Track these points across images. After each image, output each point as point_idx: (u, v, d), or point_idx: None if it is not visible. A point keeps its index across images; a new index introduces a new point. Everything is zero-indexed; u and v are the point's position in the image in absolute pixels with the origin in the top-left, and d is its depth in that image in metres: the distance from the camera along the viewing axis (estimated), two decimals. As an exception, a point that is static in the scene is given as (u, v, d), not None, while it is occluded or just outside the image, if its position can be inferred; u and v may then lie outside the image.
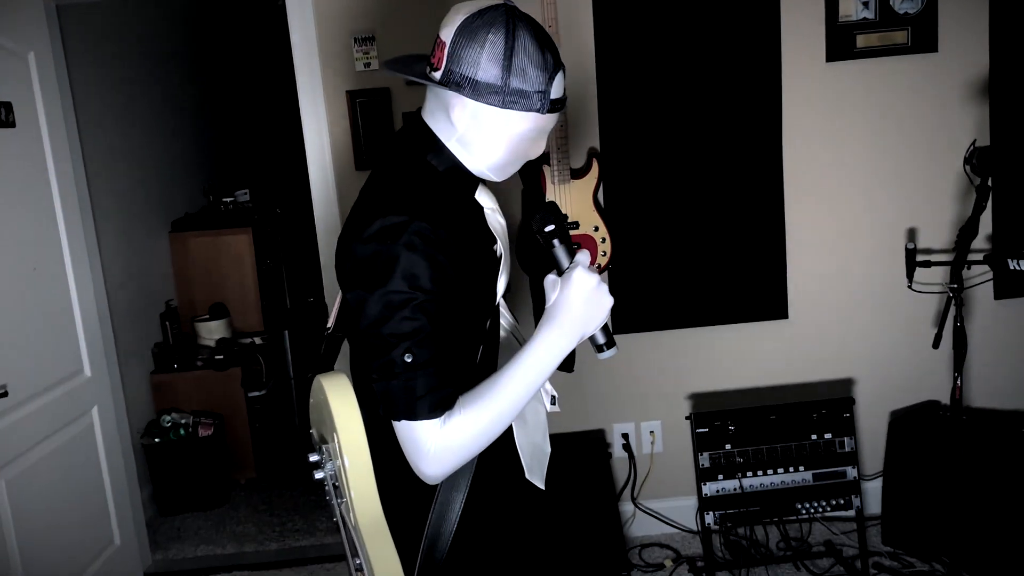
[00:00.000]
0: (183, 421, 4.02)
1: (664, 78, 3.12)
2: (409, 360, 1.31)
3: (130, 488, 3.43)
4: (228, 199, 4.87)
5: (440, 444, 1.33)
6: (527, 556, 1.72)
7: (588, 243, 3.07)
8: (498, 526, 1.60)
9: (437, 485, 1.45)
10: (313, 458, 1.44)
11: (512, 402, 1.36)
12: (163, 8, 4.68)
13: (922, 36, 3.12)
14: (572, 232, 3.05)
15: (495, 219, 1.55)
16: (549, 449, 1.71)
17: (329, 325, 1.61)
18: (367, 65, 3.09)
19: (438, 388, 1.32)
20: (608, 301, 1.41)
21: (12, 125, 2.80)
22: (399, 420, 1.34)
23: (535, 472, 1.62)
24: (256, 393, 4.33)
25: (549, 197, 3.03)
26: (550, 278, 1.43)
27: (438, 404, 1.33)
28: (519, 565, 1.69)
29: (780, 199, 3.21)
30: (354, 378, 1.43)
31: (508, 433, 1.55)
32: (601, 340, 1.45)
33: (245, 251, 4.63)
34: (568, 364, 3.26)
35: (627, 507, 3.41)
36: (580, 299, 1.39)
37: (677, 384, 3.37)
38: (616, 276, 3.24)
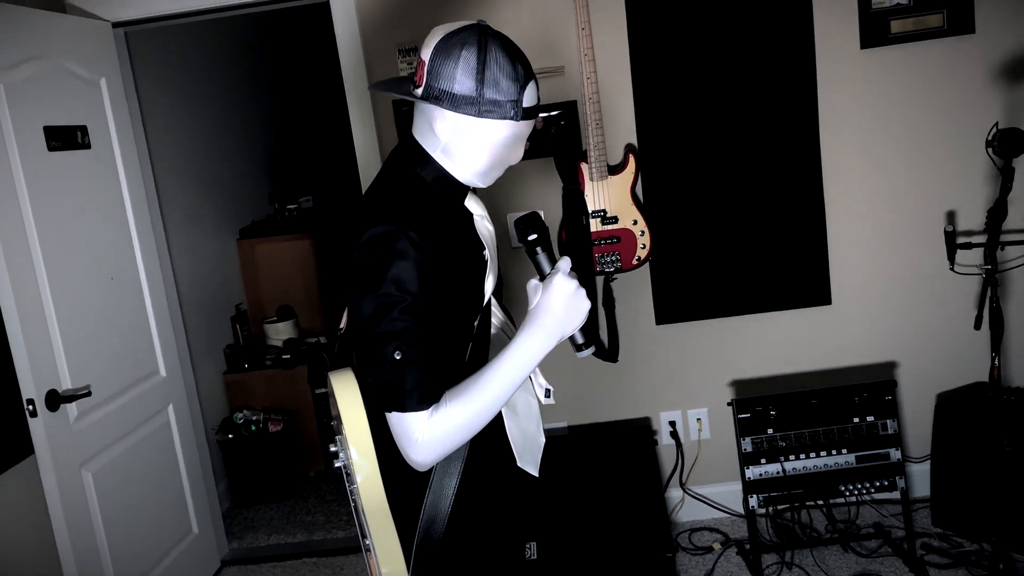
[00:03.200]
0: (254, 418, 4.25)
1: (698, 71, 3.19)
2: (399, 357, 1.44)
3: (206, 481, 3.66)
4: (292, 206, 5.10)
5: (427, 434, 1.45)
6: (517, 531, 1.82)
7: (627, 237, 3.16)
8: (490, 510, 1.71)
9: (431, 472, 1.58)
10: (333, 448, 1.59)
11: (494, 396, 1.48)
12: (225, 27, 4.93)
13: (958, 18, 3.12)
14: (611, 227, 3.16)
15: (483, 225, 1.67)
16: (543, 439, 1.81)
17: (341, 326, 1.75)
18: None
19: (425, 383, 1.45)
20: (586, 305, 1.52)
21: (88, 147, 3.04)
22: (390, 412, 1.47)
23: (527, 460, 1.73)
24: (322, 390, 4.51)
25: (587, 194, 3.13)
26: (532, 283, 1.54)
27: (425, 397, 1.45)
28: (510, 547, 1.80)
29: (819, 186, 3.25)
30: (358, 374, 1.57)
31: (500, 423, 1.67)
32: (580, 340, 1.55)
33: (309, 255, 4.85)
34: (612, 355, 3.37)
35: (676, 493, 3.49)
36: (560, 302, 1.49)
37: (723, 372, 3.44)
38: (657, 268, 3.32)
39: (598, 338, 3.32)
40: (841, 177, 3.26)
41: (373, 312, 1.45)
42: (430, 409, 1.46)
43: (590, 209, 3.15)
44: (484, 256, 1.63)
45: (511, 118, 1.50)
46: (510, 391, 1.49)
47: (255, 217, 5.07)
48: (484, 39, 1.48)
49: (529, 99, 1.52)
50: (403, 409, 1.45)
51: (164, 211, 3.87)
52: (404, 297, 1.44)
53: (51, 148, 2.82)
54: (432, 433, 1.46)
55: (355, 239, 1.49)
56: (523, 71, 1.50)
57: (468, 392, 1.48)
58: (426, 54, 1.51)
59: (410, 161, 1.60)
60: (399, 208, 1.51)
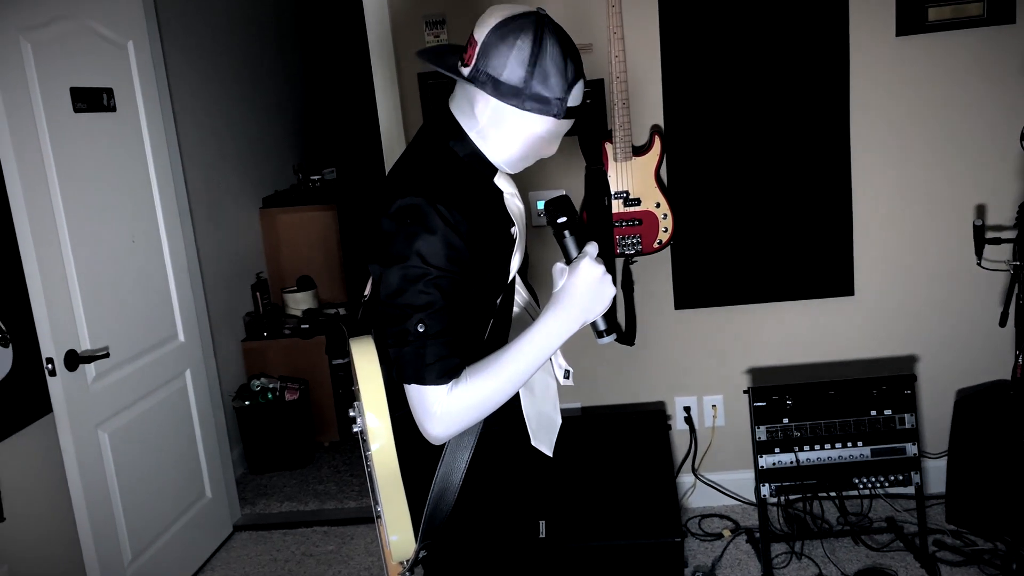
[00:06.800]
0: (271, 386, 4.28)
1: (729, 54, 3.14)
2: (421, 330, 1.44)
3: (220, 447, 3.69)
4: (315, 177, 5.10)
5: (444, 409, 1.46)
6: (528, 506, 1.82)
7: (649, 219, 3.14)
8: (501, 486, 1.71)
9: (444, 445, 1.57)
10: (351, 413, 1.60)
11: (514, 376, 1.48)
12: (254, -6, 4.92)
13: (998, 7, 3.04)
14: (634, 209, 3.13)
15: (513, 203, 1.66)
16: (559, 419, 1.81)
17: (366, 294, 1.75)
18: (437, 48, 3.22)
19: (447, 357, 1.45)
20: (611, 291, 1.51)
21: (113, 109, 3.05)
22: (409, 384, 1.47)
23: (542, 439, 1.73)
24: (339, 360, 4.51)
25: (611, 174, 3.11)
26: (558, 266, 1.52)
27: (445, 372, 1.45)
28: (520, 524, 1.80)
29: (847, 175, 3.20)
30: (378, 342, 1.57)
31: (516, 402, 1.66)
32: (602, 327, 1.54)
33: (331, 226, 4.86)
34: (629, 338, 3.35)
35: (688, 478, 3.48)
36: (585, 287, 1.48)
37: (740, 359, 3.41)
38: (679, 252, 3.29)
39: (619, 325, 3.30)
40: (870, 166, 3.20)
41: (398, 284, 1.45)
42: (449, 384, 1.46)
43: (613, 190, 3.12)
44: (512, 233, 1.62)
45: (554, 115, 1.48)
46: (530, 372, 1.49)
47: (278, 187, 5.08)
48: (541, 31, 1.45)
49: (574, 99, 1.50)
50: (423, 382, 1.45)
51: (188, 177, 3.88)
52: (429, 270, 1.44)
53: (77, 110, 2.83)
54: (450, 408, 1.46)
55: (384, 208, 1.49)
56: (573, 70, 1.48)
57: (488, 370, 1.47)
58: (479, 34, 1.48)
59: (444, 134, 1.58)
60: (430, 180, 1.50)
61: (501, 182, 1.65)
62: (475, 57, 1.48)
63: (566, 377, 1.76)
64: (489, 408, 1.49)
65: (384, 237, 1.48)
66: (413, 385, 1.47)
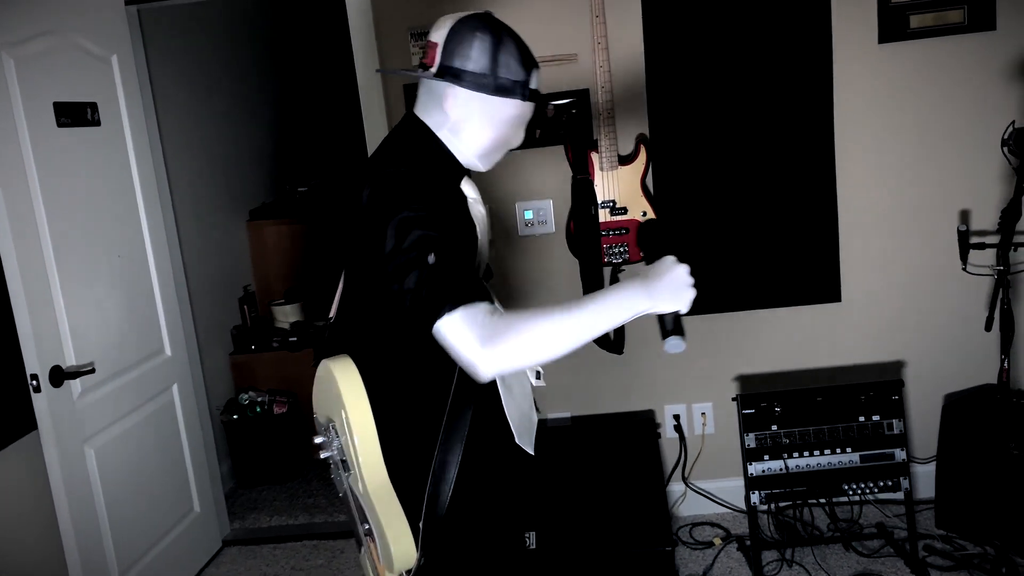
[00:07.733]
0: (260, 399, 4.26)
1: (713, 62, 3.15)
2: (432, 261, 1.42)
3: (209, 461, 3.67)
4: (303, 188, 5.09)
5: (489, 330, 1.36)
6: (518, 508, 1.86)
7: (636, 228, 3.14)
8: (492, 482, 1.75)
9: (433, 453, 1.59)
10: (318, 440, 1.59)
11: (572, 326, 1.39)
12: (238, 8, 4.91)
13: (979, 14, 3.07)
14: (620, 217, 3.13)
15: (477, 209, 1.71)
16: (536, 418, 1.85)
17: (331, 315, 1.77)
18: (422, 59, 3.22)
19: (466, 283, 1.42)
20: (690, 292, 1.52)
21: (98, 124, 3.04)
22: (440, 317, 1.37)
23: (524, 438, 1.76)
24: (327, 374, 4.53)
25: (597, 183, 3.11)
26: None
27: (470, 293, 1.40)
28: (511, 516, 1.85)
29: (832, 182, 3.21)
30: (357, 361, 1.58)
31: (498, 403, 1.69)
32: (669, 326, 1.54)
33: (317, 238, 4.85)
34: (618, 346, 3.35)
35: (678, 487, 3.48)
36: (669, 275, 1.51)
37: (729, 366, 3.41)
38: (666, 260, 3.30)
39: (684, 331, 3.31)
40: (854, 172, 3.22)
41: (396, 232, 1.45)
42: (491, 306, 1.41)
43: (599, 199, 3.13)
44: (477, 236, 1.67)
45: (520, 98, 1.59)
46: (588, 329, 1.41)
47: (265, 199, 5.06)
48: (496, 24, 1.59)
49: (534, 83, 1.63)
50: (453, 306, 1.37)
51: (173, 191, 3.87)
52: (421, 212, 1.47)
53: (60, 124, 2.82)
54: (495, 328, 1.36)
55: (358, 192, 1.55)
56: (531, 57, 1.62)
57: (547, 308, 1.41)
58: (439, 37, 1.59)
59: (412, 138, 1.66)
60: (406, 160, 1.59)
61: (465, 188, 1.71)
62: (438, 56, 1.58)
63: (537, 378, 1.81)
64: (538, 348, 1.37)
65: (370, 205, 1.52)
66: (444, 321, 1.37)
